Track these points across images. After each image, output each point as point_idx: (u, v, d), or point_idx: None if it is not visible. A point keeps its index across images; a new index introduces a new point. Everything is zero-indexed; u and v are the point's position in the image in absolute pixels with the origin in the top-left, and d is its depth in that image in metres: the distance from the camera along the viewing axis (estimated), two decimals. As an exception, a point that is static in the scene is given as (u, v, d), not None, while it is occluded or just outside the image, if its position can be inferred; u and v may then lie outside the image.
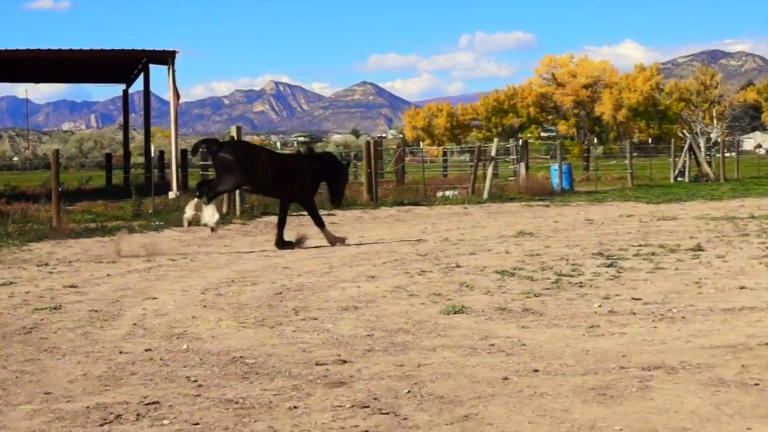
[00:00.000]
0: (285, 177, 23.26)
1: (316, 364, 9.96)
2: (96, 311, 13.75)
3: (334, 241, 23.24)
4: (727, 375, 9.19)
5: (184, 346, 11.09)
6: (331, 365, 9.92)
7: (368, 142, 47.11)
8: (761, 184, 55.23)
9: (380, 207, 37.96)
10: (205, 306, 13.99)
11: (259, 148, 27.15)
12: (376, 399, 8.54)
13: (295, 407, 8.31)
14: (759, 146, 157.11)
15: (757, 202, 38.19)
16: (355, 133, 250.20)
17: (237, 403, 8.50)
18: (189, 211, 22.70)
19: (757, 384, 8.82)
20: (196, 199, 22.76)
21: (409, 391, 8.80)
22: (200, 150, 28.25)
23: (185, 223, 23.13)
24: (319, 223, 23.60)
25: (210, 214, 22.09)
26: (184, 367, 10.04)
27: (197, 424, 7.85)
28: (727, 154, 72.63)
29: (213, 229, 22.79)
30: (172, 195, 40.41)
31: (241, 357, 10.41)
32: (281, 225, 22.91)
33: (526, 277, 16.41)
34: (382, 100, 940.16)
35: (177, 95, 43.57)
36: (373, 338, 11.39)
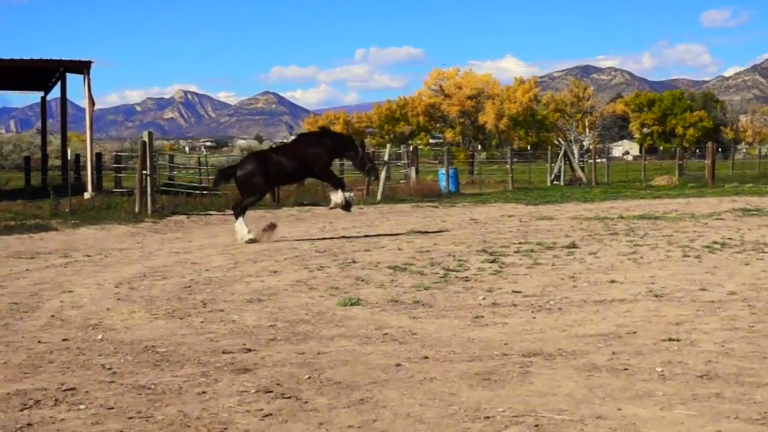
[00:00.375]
0: (305, 161, 23.80)
1: (223, 353, 9.98)
2: (16, 303, 13.62)
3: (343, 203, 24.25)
4: (599, 361, 9.37)
5: (99, 336, 11.03)
6: (236, 353, 9.94)
7: (271, 148, 47.18)
8: (629, 187, 56.00)
9: (282, 207, 37.89)
10: (119, 299, 13.91)
11: (266, 151, 26.87)
12: (278, 384, 8.59)
13: (203, 392, 8.33)
14: (627, 153, 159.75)
15: (625, 204, 38.74)
16: (259, 139, 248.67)
17: (149, 388, 8.48)
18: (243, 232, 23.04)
19: (626, 369, 9.02)
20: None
21: (309, 377, 8.85)
22: (221, 182, 27.78)
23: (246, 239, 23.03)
24: (340, 185, 24.45)
25: (240, 229, 22.99)
26: (99, 355, 9.99)
27: (112, 408, 7.83)
28: (598, 160, 73.56)
29: (254, 240, 22.82)
30: (87, 195, 40.32)
31: (152, 346, 10.38)
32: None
33: (417, 272, 16.52)
34: (283, 108, 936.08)
35: (92, 102, 43.42)
36: (275, 328, 11.42)
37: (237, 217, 23.22)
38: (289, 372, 9.09)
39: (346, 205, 24.53)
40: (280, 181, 26.28)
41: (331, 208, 25.53)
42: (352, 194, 25.57)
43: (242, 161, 24.87)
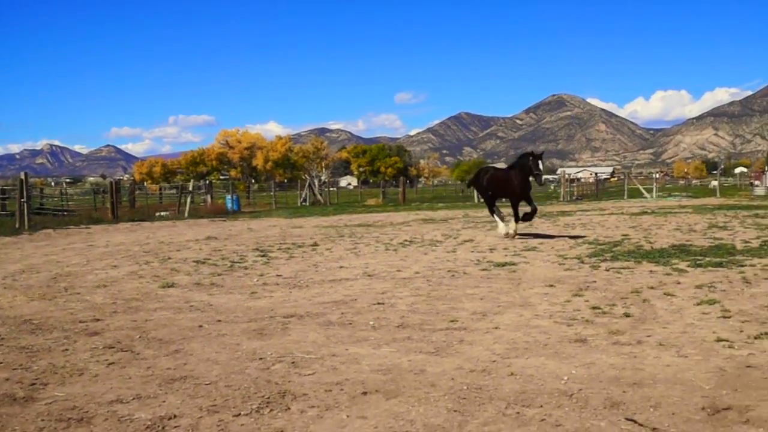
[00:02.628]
0: (522, 184, 20.63)
1: (80, 322, 9.57)
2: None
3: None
4: (333, 318, 9.46)
5: (-10, 314, 10.44)
6: (89, 322, 9.55)
7: (111, 182, 45.86)
8: (351, 206, 56.69)
9: (119, 222, 36.66)
10: (5, 287, 13.15)
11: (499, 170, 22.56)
12: (119, 342, 8.33)
13: (66, 350, 7.99)
14: (349, 184, 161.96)
15: (348, 217, 39.17)
16: (103, 177, 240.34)
17: (28, 348, 8.09)
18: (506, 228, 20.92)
19: (351, 323, 9.13)
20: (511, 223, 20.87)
21: (140, 337, 8.62)
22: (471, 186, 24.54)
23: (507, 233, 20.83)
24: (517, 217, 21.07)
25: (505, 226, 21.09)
26: (-9, 327, 9.46)
27: (1, 362, 7.46)
28: (331, 189, 74.22)
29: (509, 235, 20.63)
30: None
31: (30, 319, 9.86)
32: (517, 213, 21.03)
33: (212, 264, 16.28)
34: (119, 156, 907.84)
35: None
36: (116, 304, 11.03)
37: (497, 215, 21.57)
38: (126, 333, 8.82)
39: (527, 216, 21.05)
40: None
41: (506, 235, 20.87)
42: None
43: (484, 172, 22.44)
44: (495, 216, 22.01)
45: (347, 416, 5.68)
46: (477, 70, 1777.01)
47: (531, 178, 20.66)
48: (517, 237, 20.66)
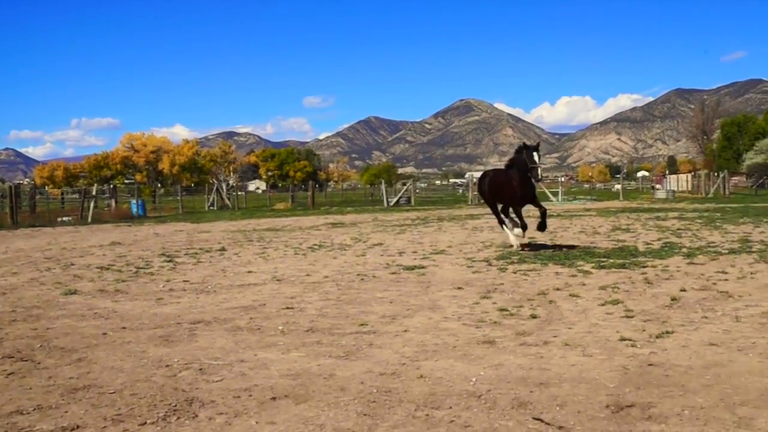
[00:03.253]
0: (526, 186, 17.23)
1: (-24, 332, 9.27)
2: None
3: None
4: (242, 324, 9.37)
5: None
6: (-14, 332, 9.26)
7: (11, 186, 44.60)
8: (260, 210, 56.28)
9: (19, 228, 35.63)
10: None
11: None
12: (19, 351, 8.08)
13: (-38, 360, 7.72)
14: (258, 188, 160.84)
15: (257, 221, 38.89)
16: (2, 181, 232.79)
17: None
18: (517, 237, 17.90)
19: (259, 328, 9.06)
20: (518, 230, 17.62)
21: (41, 345, 8.38)
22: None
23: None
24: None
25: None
26: None
27: None
28: (239, 193, 73.53)
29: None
30: None
31: None
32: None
33: (117, 270, 15.95)
34: (19, 159, 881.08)
35: None
36: (16, 312, 10.70)
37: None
38: (26, 342, 8.57)
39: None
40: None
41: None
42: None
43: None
44: (504, 228, 18.74)
45: (256, 422, 5.63)
46: (386, 74, 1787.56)
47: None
48: (525, 248, 17.71)
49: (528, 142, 17.54)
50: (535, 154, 16.80)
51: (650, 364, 6.91)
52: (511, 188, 17.68)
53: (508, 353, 7.46)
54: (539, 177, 17.09)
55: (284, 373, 6.95)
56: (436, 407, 5.83)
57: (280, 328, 9.05)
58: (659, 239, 19.62)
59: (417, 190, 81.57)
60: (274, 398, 6.19)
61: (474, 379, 6.55)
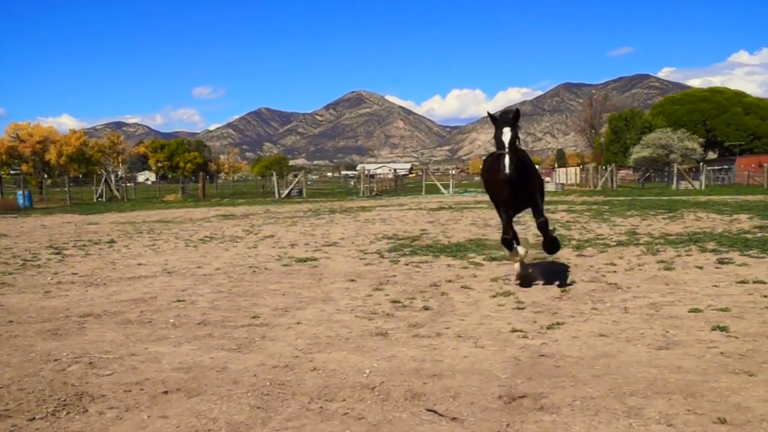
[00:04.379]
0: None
1: None
2: None
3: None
4: (132, 317, 9.22)
5: None
6: None
7: None
8: (149, 202, 55.20)
9: None
10: None
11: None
12: None
13: None
14: (147, 179, 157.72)
15: (147, 213, 38.11)
16: None
17: None
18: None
19: (150, 321, 8.94)
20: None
21: None
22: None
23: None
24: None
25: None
26: None
27: None
28: (129, 184, 71.81)
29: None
30: None
31: None
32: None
33: (3, 262, 15.41)
34: None
35: None
36: None
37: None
38: None
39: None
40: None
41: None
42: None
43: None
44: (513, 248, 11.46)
45: (148, 416, 5.56)
46: (276, 65, 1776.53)
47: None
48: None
49: (495, 112, 11.35)
50: (506, 130, 10.31)
51: (541, 355, 7.10)
52: (495, 181, 11.27)
53: (401, 345, 7.56)
54: (507, 171, 10.08)
55: (176, 366, 6.88)
56: (330, 400, 5.87)
57: (172, 321, 8.94)
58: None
59: (309, 182, 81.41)
60: (166, 392, 6.12)
61: (367, 371, 6.62)
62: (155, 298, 10.66)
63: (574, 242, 17.12)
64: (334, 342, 7.75)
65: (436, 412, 5.59)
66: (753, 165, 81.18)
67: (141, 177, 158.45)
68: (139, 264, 14.82)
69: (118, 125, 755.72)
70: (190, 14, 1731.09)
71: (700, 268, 12.69)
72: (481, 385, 6.20)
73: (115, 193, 61.23)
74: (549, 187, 65.10)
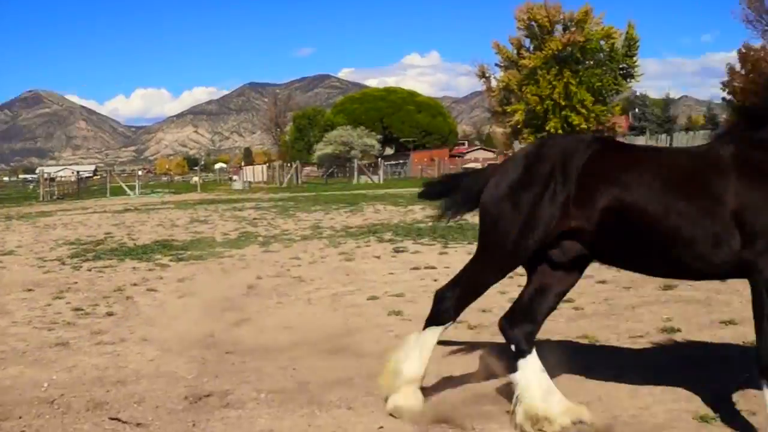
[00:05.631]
0: None
1: None
2: None
3: None
4: None
5: None
6: None
7: None
8: None
9: None
10: None
11: None
12: None
13: None
14: None
15: None
16: None
17: None
18: None
19: None
20: None
21: None
22: None
23: None
24: None
25: None
26: None
27: None
28: None
29: None
30: None
31: None
32: None
33: None
34: None
35: None
36: None
37: None
38: None
39: None
40: None
41: None
42: None
43: None
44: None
45: None
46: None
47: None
48: None
49: None
50: None
51: (228, 353, 7.11)
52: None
53: (83, 354, 7.24)
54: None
55: None
56: (5, 418, 5.47)
57: None
58: (236, 229, 20.19)
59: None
60: None
61: (46, 384, 6.25)
62: None
63: (260, 239, 17.36)
64: (9, 357, 7.24)
65: (120, 419, 5.41)
66: (426, 159, 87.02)
67: None
68: None
69: None
70: None
71: (378, 257, 13.39)
72: (167, 388, 6.10)
73: None
74: (237, 185, 65.32)
